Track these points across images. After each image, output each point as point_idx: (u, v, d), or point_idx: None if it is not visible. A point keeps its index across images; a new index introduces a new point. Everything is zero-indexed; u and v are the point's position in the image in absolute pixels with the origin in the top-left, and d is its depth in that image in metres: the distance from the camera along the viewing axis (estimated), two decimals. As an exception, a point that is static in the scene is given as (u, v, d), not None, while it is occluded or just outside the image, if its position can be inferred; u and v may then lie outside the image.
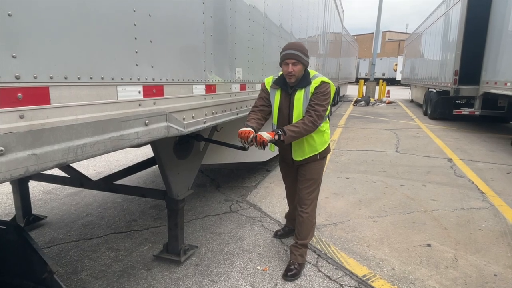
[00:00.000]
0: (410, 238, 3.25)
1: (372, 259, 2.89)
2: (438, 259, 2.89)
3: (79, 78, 1.19)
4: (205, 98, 2.25)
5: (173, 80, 1.83)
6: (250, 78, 3.15)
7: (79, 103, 1.19)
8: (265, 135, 2.27)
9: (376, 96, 20.02)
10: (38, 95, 1.03)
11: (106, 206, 3.99)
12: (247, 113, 3.10)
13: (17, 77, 0.98)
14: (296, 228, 2.75)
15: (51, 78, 1.08)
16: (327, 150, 2.70)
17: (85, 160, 5.77)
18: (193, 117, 2.06)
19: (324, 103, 2.44)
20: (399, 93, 25.43)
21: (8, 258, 1.36)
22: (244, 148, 2.55)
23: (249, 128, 2.31)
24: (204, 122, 2.24)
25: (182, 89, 1.95)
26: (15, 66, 0.98)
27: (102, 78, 1.30)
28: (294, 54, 2.39)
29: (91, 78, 1.25)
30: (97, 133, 1.25)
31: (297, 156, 2.62)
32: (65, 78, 1.13)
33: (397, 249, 3.05)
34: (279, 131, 2.33)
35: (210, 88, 2.30)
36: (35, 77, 1.03)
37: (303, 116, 2.46)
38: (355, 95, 21.07)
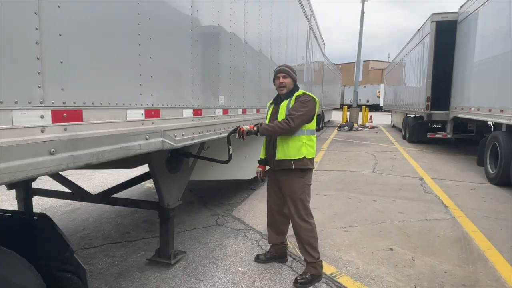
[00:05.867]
0: (375, 244, 3.66)
1: (340, 261, 3.29)
2: (398, 260, 3.31)
3: (101, 104, 1.65)
4: (192, 120, 2.71)
5: (167, 105, 2.30)
6: (232, 104, 3.64)
7: (101, 121, 1.64)
8: (245, 126, 2.81)
9: (360, 122, 20.85)
10: (76, 115, 1.48)
11: (101, 221, 4.32)
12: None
13: (64, 103, 1.42)
14: (299, 248, 3.01)
15: (84, 103, 1.54)
16: (304, 163, 2.79)
17: (80, 181, 6.10)
18: (183, 135, 2.52)
19: (301, 109, 2.72)
20: (382, 119, 26.37)
21: (40, 243, 1.75)
22: (225, 162, 3.01)
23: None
24: (192, 139, 2.69)
25: (174, 112, 2.42)
26: (62, 96, 1.42)
27: (116, 104, 1.77)
28: (284, 70, 2.93)
29: (109, 103, 1.71)
30: (112, 143, 1.70)
31: (276, 156, 2.84)
32: (93, 103, 1.59)
33: (362, 252, 3.46)
34: (257, 124, 2.84)
35: (197, 112, 2.77)
36: (74, 103, 1.48)
37: None
38: (340, 120, 21.87)
